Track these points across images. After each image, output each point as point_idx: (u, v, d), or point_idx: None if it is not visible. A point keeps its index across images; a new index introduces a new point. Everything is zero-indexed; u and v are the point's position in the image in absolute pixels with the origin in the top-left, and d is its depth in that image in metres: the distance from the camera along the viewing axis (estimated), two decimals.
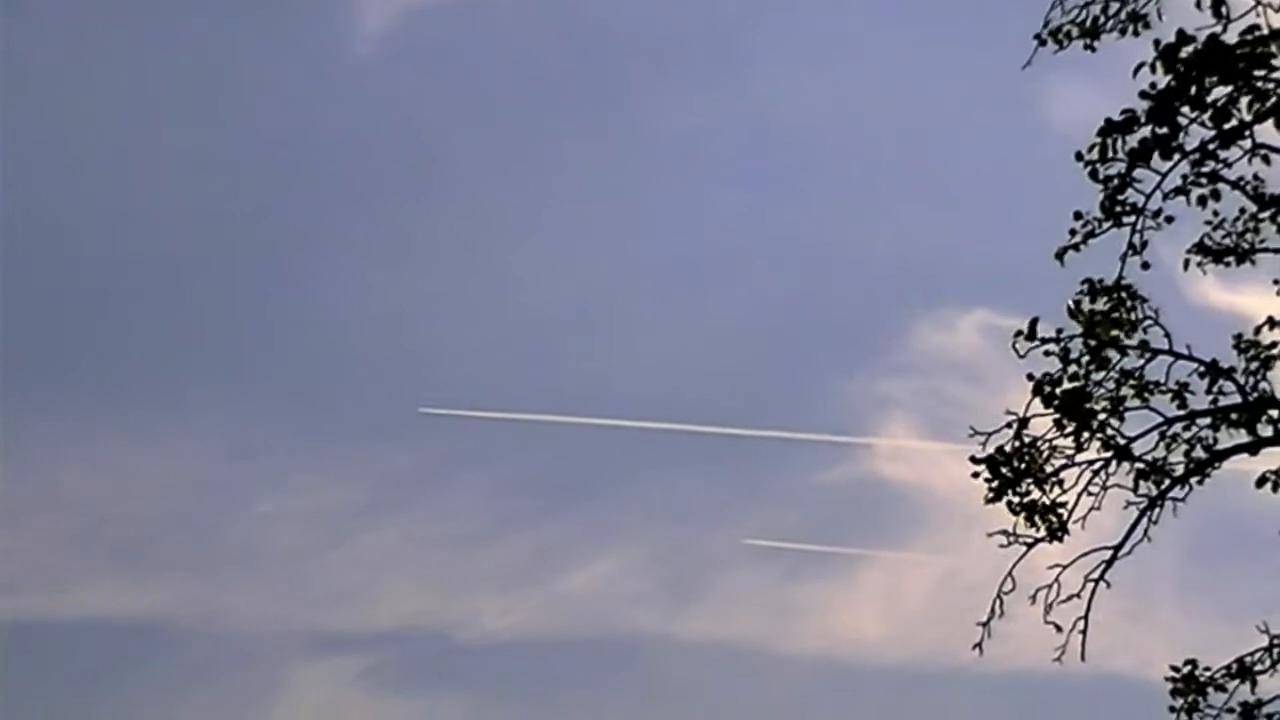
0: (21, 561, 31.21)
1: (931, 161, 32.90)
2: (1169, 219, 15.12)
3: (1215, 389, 15.95)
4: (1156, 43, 14.26)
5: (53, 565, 31.39)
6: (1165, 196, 14.97)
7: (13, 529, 31.45)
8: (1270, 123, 14.39)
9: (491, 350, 32.15)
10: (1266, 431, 16.01)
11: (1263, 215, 15.75)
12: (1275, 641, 16.15)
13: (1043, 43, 15.34)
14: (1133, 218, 15.05)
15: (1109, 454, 16.09)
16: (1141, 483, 16.05)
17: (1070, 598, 16.09)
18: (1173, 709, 16.24)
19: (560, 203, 34.22)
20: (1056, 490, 16.07)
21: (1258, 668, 16.13)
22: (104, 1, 32.67)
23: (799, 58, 34.54)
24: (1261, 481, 15.94)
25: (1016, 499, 16.10)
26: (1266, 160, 14.92)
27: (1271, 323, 16.07)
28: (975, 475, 16.20)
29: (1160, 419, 15.97)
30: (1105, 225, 15.12)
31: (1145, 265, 15.35)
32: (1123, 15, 15.18)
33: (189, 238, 32.85)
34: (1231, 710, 16.07)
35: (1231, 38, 14.35)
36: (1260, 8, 14.22)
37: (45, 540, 31.82)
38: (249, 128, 33.40)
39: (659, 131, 34.52)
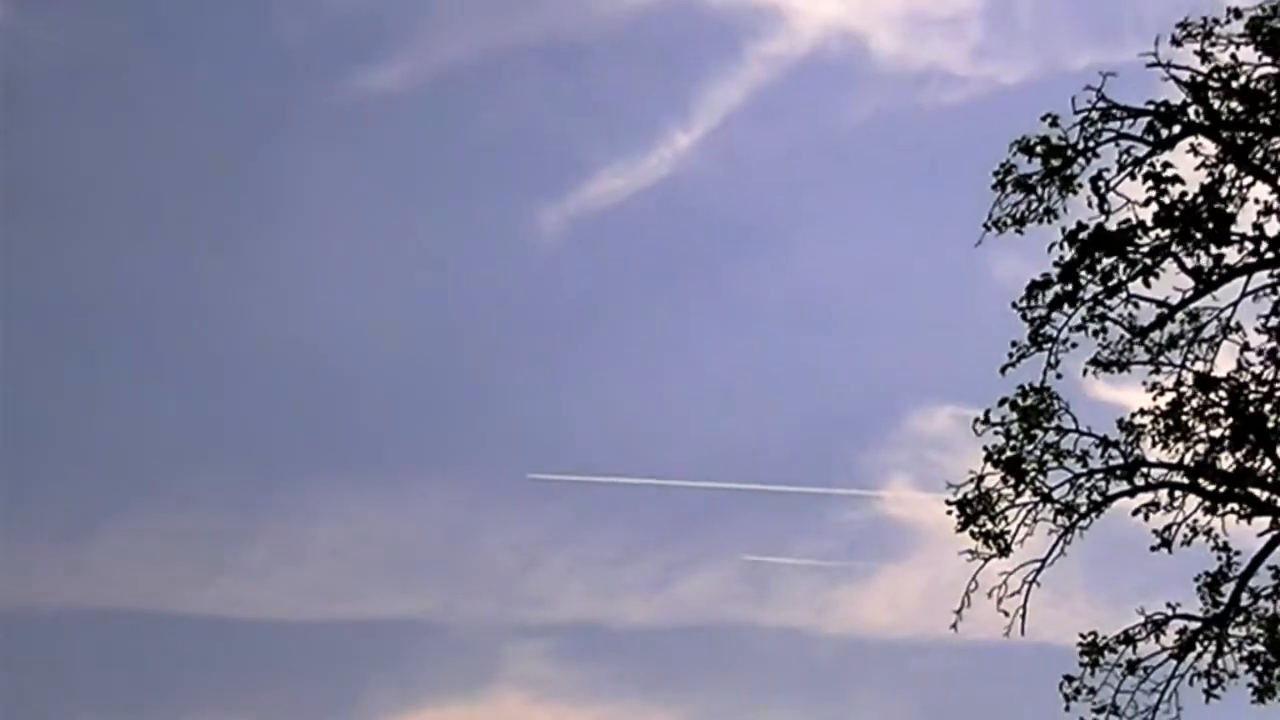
0: (325, 582, 37.36)
1: (918, 307, 37.61)
2: (1074, 344, 18.29)
3: (1106, 454, 19.04)
4: (1063, 229, 17.94)
5: (349, 582, 37.68)
6: (1071, 330, 18.28)
7: (325, 559, 37.84)
8: (1139, 281, 17.89)
9: (599, 431, 39.05)
10: (1140, 481, 19.09)
11: (1135, 341, 18.67)
12: (1149, 619, 19.06)
13: (988, 229, 18.38)
14: (1050, 344, 18.28)
15: (1037, 499, 19.09)
16: (1059, 517, 19.07)
17: (1013, 594, 18.94)
18: (1081, 664, 19.07)
19: (656, 336, 40.98)
20: (1003, 523, 19.08)
21: (1137, 637, 19.05)
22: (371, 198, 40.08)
23: (827, 238, 40.84)
24: (1136, 512, 19.17)
25: (977, 529, 19.12)
26: (1137, 305, 18.25)
27: (1141, 411, 19.27)
28: (949, 514, 19.19)
29: (1070, 475, 19.00)
30: (1031, 350, 18.33)
31: (1059, 375, 18.44)
32: (1040, 210, 18.35)
33: (409, 362, 39.73)
34: (1119, 665, 18.99)
35: (1112, 225, 17.79)
36: (1130, 205, 17.70)
37: (347, 564, 38.12)
38: (466, 287, 40.92)
39: (732, 288, 41.31)
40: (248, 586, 36.68)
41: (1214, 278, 17.99)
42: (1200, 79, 17.96)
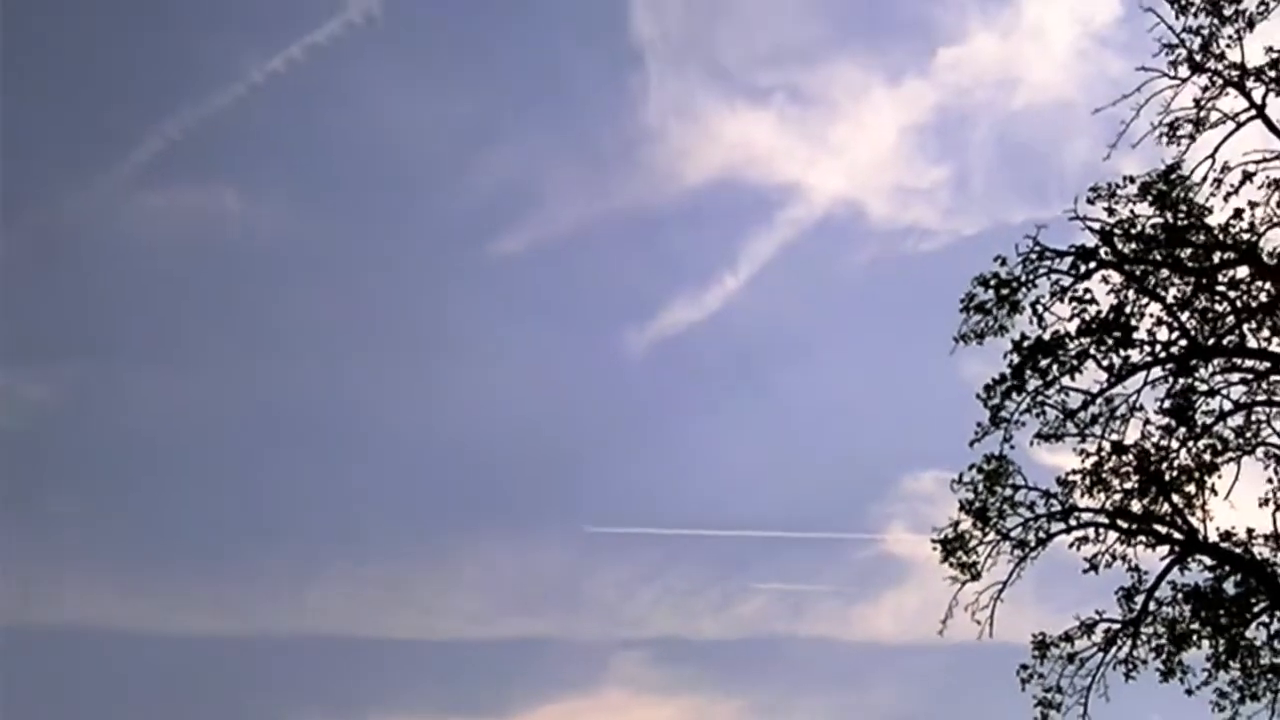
0: (473, 610, 42.91)
1: (907, 399, 42.26)
2: (1022, 423, 20.52)
3: (1048, 503, 20.98)
4: (1012, 340, 20.24)
5: (491, 610, 43.17)
6: (1020, 413, 20.52)
7: (473, 593, 43.35)
8: (1068, 376, 20.23)
9: (648, 486, 44.91)
10: (1073, 522, 21.01)
11: (1067, 420, 20.52)
12: (1082, 622, 21.12)
13: (958, 342, 20.32)
14: (1004, 424, 20.45)
15: (999, 537, 20.93)
16: (1015, 550, 20.96)
17: (983, 608, 21.12)
18: (1033, 656, 21.14)
19: (712, 425, 46.96)
20: (974, 555, 21.04)
21: (1074, 635, 21.13)
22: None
23: (839, 351, 47.40)
24: (1072, 545, 21.18)
25: (955, 560, 21.06)
26: (1067, 394, 20.48)
27: (1073, 471, 21.13)
28: (935, 549, 21.28)
29: (1022, 519, 21.01)
30: (991, 429, 20.50)
31: (1012, 446, 20.69)
32: (995, 327, 20.32)
33: (530, 448, 45.25)
34: (1062, 657, 21.00)
35: (1047, 336, 20.13)
36: (1059, 321, 20.07)
37: (489, 597, 43.69)
38: (573, 394, 47.03)
39: (769, 389, 47.48)
40: (419, 615, 42.39)
41: (1122, 373, 20.31)
42: (1108, 228, 20.29)
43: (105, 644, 38.88)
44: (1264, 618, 20.74)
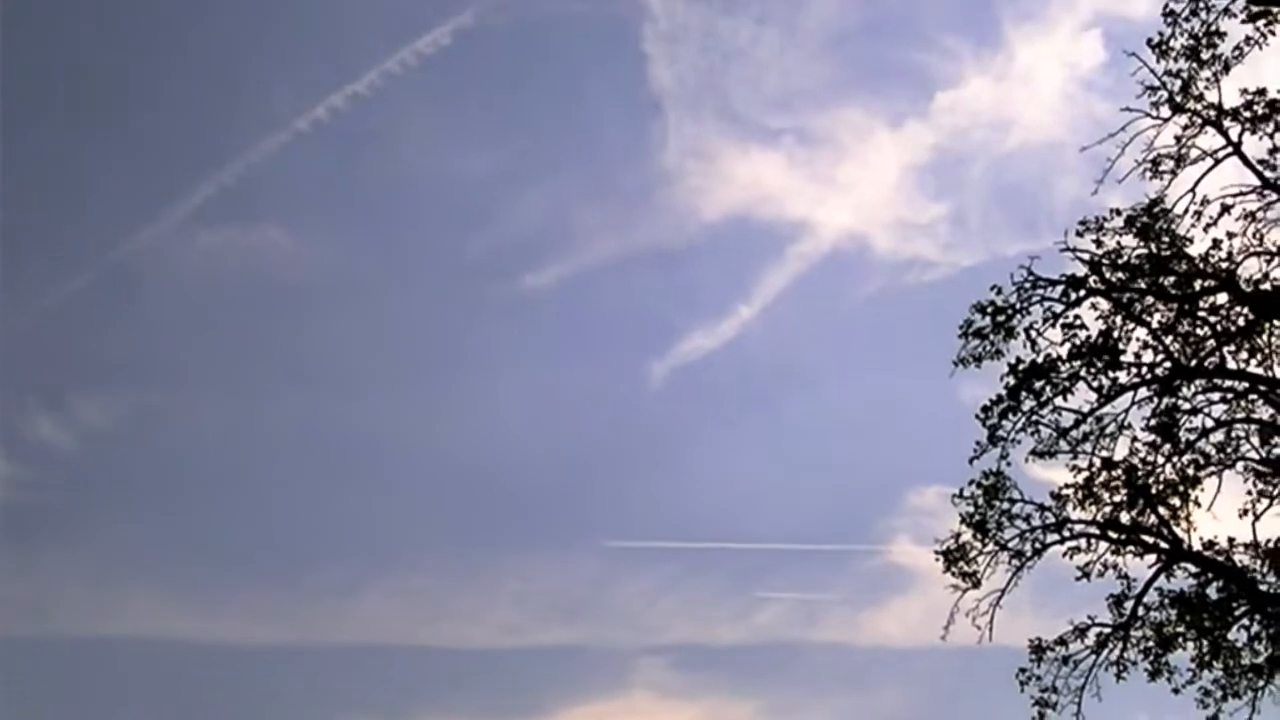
0: (508, 620, 45.12)
1: (911, 420, 44.38)
2: (1018, 442, 21.09)
3: (1043, 516, 21.47)
4: (1008, 364, 20.86)
5: (523, 620, 45.42)
6: (1015, 432, 21.05)
7: (507, 605, 45.51)
8: (1061, 397, 20.75)
9: (668, 503, 46.79)
10: (1066, 534, 21.46)
11: (1060, 437, 20.93)
12: (1076, 627, 21.57)
13: (957, 365, 20.88)
14: (1001, 442, 20.95)
15: (997, 548, 21.39)
16: (1012, 560, 21.44)
17: (983, 614, 21.60)
18: (1030, 660, 21.63)
19: (729, 445, 49.27)
20: (974, 565, 21.47)
21: (1068, 639, 21.64)
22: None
23: (847, 375, 50.00)
24: (1065, 555, 21.61)
25: (956, 570, 21.53)
26: (1060, 413, 21.05)
27: (1066, 485, 21.68)
28: (937, 560, 21.76)
29: (1019, 531, 21.48)
30: (989, 446, 21.01)
31: (1008, 463, 21.25)
32: (991, 351, 20.93)
33: (557, 470, 48.02)
34: (1057, 660, 21.49)
35: (1040, 360, 20.68)
36: (1052, 345, 20.62)
37: (521, 608, 45.97)
38: (598, 419, 49.54)
39: (782, 412, 49.91)
40: (457, 626, 44.85)
41: (1111, 393, 20.92)
42: (1096, 258, 20.95)
43: (161, 653, 41.45)
44: (1244, 621, 21.35)
